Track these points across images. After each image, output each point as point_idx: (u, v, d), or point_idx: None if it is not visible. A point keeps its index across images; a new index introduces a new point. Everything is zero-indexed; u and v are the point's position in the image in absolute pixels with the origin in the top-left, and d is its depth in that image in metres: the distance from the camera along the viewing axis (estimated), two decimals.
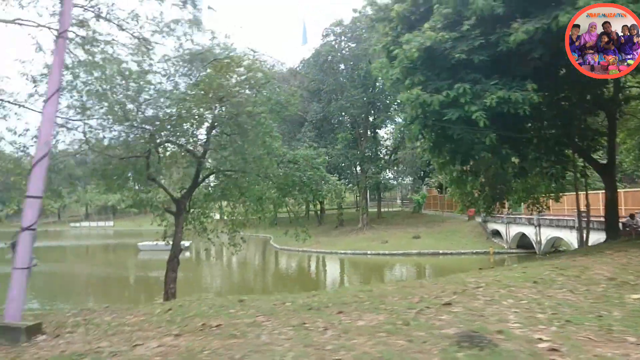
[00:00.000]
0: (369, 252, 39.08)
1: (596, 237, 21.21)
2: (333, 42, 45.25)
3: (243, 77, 12.92)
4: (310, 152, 16.87)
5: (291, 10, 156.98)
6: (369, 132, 48.63)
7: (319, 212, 64.29)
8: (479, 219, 43.11)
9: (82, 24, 10.87)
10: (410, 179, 57.61)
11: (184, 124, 14.67)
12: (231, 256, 50.75)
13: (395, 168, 50.63)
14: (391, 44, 10.32)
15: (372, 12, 11.44)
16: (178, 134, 14.77)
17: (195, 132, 15.10)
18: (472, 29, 8.53)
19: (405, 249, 38.26)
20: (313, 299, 6.22)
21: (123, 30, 13.51)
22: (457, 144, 9.39)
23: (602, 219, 18.74)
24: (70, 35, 12.01)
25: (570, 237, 28.61)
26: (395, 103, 42.95)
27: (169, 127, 14.51)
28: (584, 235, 20.96)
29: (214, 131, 14.66)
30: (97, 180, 15.73)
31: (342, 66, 44.31)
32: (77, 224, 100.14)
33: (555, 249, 33.15)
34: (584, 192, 20.93)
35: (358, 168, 48.27)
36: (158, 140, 14.93)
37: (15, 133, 14.42)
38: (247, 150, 13.22)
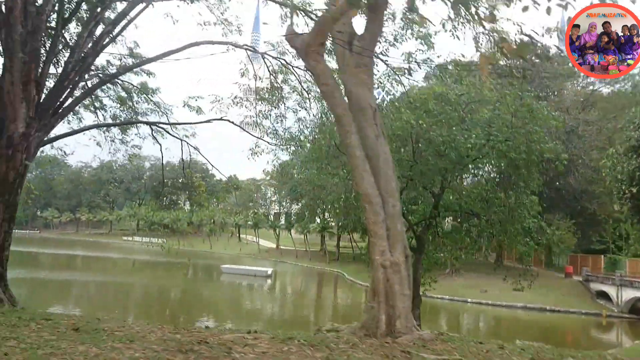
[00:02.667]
0: (469, 299, 38.41)
1: None
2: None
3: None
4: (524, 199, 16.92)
5: None
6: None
7: None
8: (576, 278, 42.06)
9: None
10: None
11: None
12: (308, 286, 50.50)
13: None
14: None
15: None
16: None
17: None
18: None
19: (507, 301, 37.41)
20: None
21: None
22: None
23: None
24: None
25: None
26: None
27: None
28: None
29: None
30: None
31: None
32: (130, 238, 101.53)
33: None
34: None
35: None
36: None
37: None
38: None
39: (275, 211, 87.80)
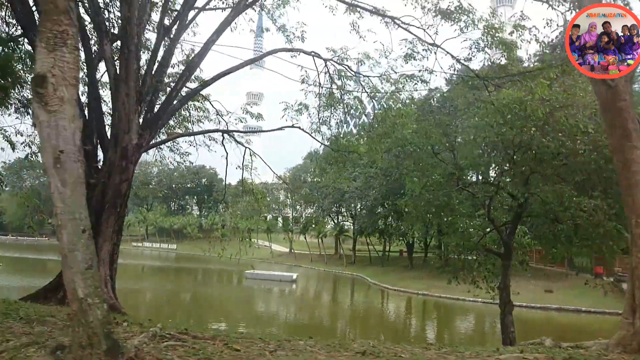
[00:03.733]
0: None
1: None
2: None
3: None
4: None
5: None
6: None
7: (404, 252, 63.55)
8: (606, 278, 41.97)
9: None
10: None
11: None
12: (339, 290, 50.13)
13: None
14: None
15: None
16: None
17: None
18: None
19: (540, 303, 37.36)
20: None
21: None
22: None
23: None
24: None
25: None
26: None
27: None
28: None
29: None
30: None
31: None
32: (139, 244, 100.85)
33: None
34: None
35: None
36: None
37: None
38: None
39: (287, 215, 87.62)
